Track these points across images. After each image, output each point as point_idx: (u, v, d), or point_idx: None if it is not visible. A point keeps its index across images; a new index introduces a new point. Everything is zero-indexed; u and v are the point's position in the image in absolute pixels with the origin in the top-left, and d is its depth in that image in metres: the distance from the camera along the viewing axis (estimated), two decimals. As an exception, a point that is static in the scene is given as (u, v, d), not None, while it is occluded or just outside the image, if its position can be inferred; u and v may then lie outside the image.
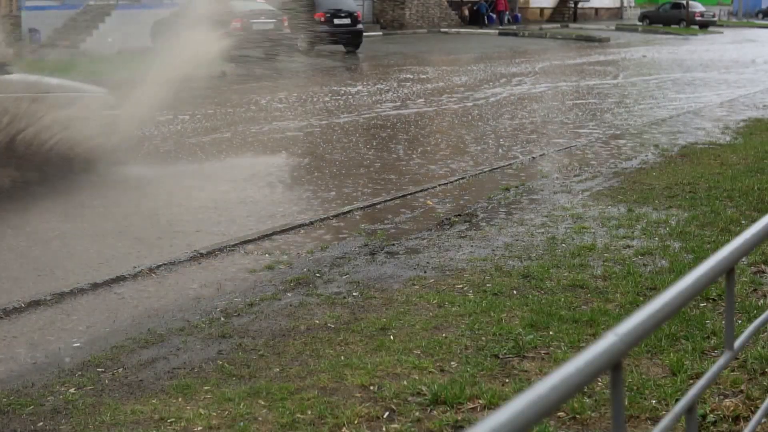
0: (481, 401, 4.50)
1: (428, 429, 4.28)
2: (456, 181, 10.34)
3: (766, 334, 5.25)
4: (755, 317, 4.52)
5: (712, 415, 4.32)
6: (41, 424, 4.43)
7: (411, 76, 22.91)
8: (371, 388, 4.69)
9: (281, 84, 20.73)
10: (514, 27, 47.33)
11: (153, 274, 6.81)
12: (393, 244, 7.54)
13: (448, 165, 11.54)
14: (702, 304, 5.78)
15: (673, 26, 54.04)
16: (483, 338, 5.33)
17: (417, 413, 4.41)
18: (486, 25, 48.40)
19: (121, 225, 8.42)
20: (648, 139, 13.17)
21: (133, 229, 8.27)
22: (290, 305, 6.02)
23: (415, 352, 5.15)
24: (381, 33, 39.96)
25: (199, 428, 4.32)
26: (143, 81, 11.93)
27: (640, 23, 56.11)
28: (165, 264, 7.04)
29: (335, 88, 20.24)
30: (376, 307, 5.93)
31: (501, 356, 5.08)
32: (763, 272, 6.55)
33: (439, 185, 10.07)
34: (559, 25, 52.48)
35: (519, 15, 53.13)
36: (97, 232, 8.16)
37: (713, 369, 2.30)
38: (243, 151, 12.50)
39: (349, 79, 22.54)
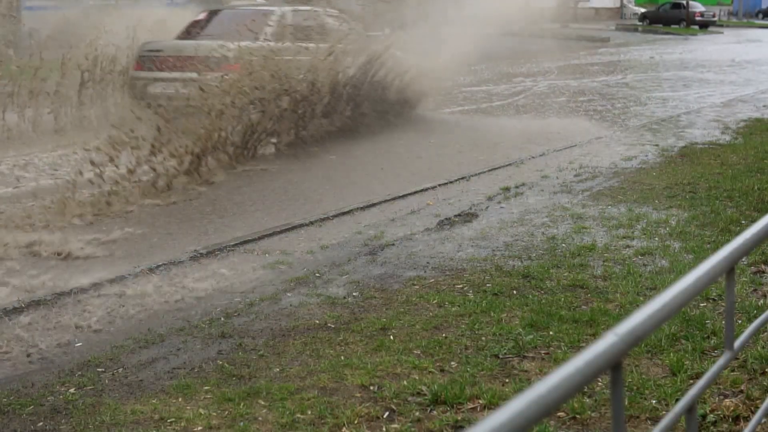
0: (481, 401, 4.50)
1: (428, 429, 4.28)
2: (456, 181, 10.34)
3: (766, 334, 5.25)
4: (755, 317, 4.52)
5: (712, 415, 4.32)
6: (41, 424, 4.43)
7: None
8: (371, 388, 4.69)
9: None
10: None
11: (153, 274, 6.81)
12: (393, 244, 7.54)
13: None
14: (702, 304, 5.78)
15: (673, 26, 54.08)
16: (483, 338, 5.33)
17: (417, 413, 4.41)
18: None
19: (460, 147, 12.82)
20: (648, 138, 13.17)
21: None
22: (290, 305, 6.02)
23: (415, 352, 5.15)
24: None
25: (199, 428, 4.32)
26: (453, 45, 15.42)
27: (640, 23, 56.16)
28: (165, 264, 7.05)
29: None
30: (376, 307, 5.93)
31: (501, 356, 5.08)
32: (763, 272, 6.55)
33: (439, 185, 10.07)
34: (558, 25, 52.46)
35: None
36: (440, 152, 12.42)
37: (713, 369, 2.30)
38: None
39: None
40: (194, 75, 12.37)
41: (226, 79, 11.38)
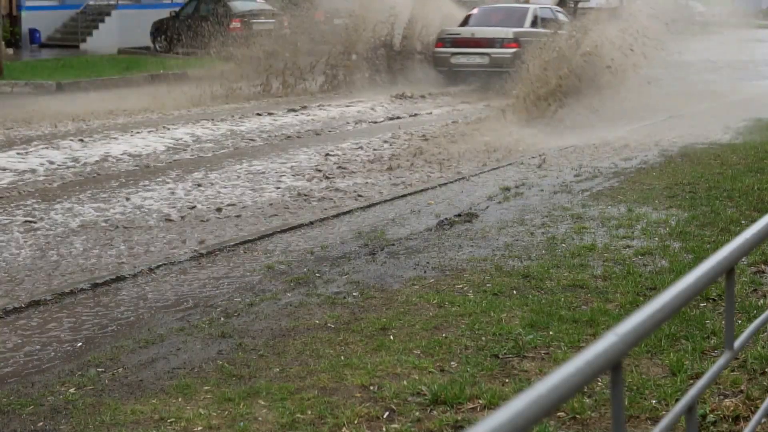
0: (481, 401, 4.51)
1: (428, 429, 4.28)
2: (456, 181, 10.34)
3: (766, 334, 5.25)
4: (755, 317, 4.52)
5: (712, 415, 4.32)
6: (41, 424, 4.43)
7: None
8: (371, 388, 4.69)
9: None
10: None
11: (153, 274, 6.81)
12: (393, 244, 7.53)
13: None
14: (702, 304, 5.78)
15: (672, 26, 54.06)
16: (483, 338, 5.33)
17: (417, 413, 4.41)
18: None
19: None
20: (648, 138, 13.16)
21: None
22: (290, 305, 6.02)
23: (415, 352, 5.15)
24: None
25: (199, 428, 4.32)
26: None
27: (640, 23, 56.10)
28: (165, 264, 7.05)
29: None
30: (376, 307, 5.93)
31: (501, 356, 5.08)
32: (763, 272, 6.55)
33: (439, 185, 10.07)
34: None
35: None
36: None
37: (713, 369, 2.31)
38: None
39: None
40: (485, 50, 19.76)
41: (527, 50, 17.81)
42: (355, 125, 15.64)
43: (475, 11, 21.56)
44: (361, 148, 13.22)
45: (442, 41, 20.59)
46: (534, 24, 20.34)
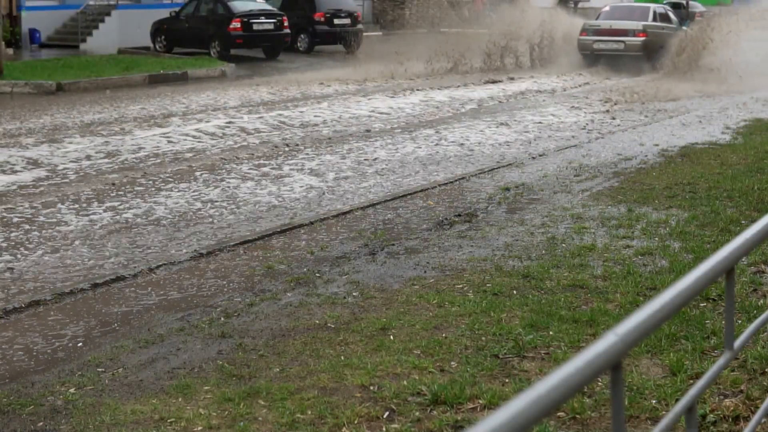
0: (481, 401, 4.51)
1: (428, 429, 4.28)
2: (456, 181, 10.34)
3: (766, 334, 5.25)
4: (755, 317, 4.52)
5: (712, 415, 4.32)
6: (41, 424, 4.43)
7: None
8: (371, 388, 4.69)
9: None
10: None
11: (153, 274, 6.81)
12: (393, 244, 7.53)
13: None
14: (702, 304, 5.78)
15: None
16: (483, 338, 5.33)
17: (417, 413, 4.41)
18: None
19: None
20: (648, 138, 13.17)
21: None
22: (290, 305, 6.02)
23: (415, 352, 5.15)
24: (381, 33, 39.87)
25: (199, 428, 4.32)
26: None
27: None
28: (165, 264, 7.04)
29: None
30: (376, 307, 5.93)
31: (501, 356, 5.08)
32: (763, 272, 6.55)
33: (439, 186, 10.07)
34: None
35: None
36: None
37: (713, 369, 2.31)
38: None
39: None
40: (621, 38, 24.50)
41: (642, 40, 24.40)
42: (573, 90, 20.82)
43: (606, 8, 26.84)
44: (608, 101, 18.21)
45: (585, 31, 25.40)
46: (655, 18, 25.35)
